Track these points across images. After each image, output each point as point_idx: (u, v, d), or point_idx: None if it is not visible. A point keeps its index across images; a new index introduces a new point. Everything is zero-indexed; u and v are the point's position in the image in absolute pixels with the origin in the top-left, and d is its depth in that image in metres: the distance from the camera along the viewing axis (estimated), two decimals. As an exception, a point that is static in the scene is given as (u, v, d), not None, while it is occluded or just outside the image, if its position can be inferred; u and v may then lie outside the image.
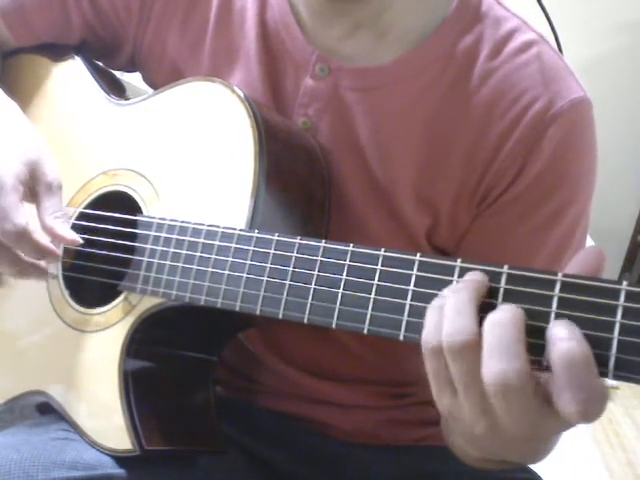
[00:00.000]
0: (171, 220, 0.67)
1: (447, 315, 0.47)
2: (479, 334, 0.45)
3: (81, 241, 0.71)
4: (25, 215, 0.67)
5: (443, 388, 0.49)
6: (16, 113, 0.78)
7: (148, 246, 0.68)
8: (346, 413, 0.83)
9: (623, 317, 0.43)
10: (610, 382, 0.45)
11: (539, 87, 0.69)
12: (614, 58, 2.80)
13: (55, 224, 0.69)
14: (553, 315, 0.45)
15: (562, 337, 0.43)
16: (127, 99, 0.81)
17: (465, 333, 0.45)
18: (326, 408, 0.82)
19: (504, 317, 0.45)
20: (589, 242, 0.81)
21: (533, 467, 0.81)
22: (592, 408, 0.42)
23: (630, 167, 2.91)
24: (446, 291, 0.49)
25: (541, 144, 0.69)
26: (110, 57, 0.86)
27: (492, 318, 0.45)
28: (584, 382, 0.42)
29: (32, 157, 0.71)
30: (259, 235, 0.60)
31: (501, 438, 0.48)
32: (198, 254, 0.64)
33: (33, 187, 0.70)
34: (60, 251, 0.72)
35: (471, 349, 0.45)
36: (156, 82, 0.83)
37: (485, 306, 0.47)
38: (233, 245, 0.62)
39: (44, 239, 0.69)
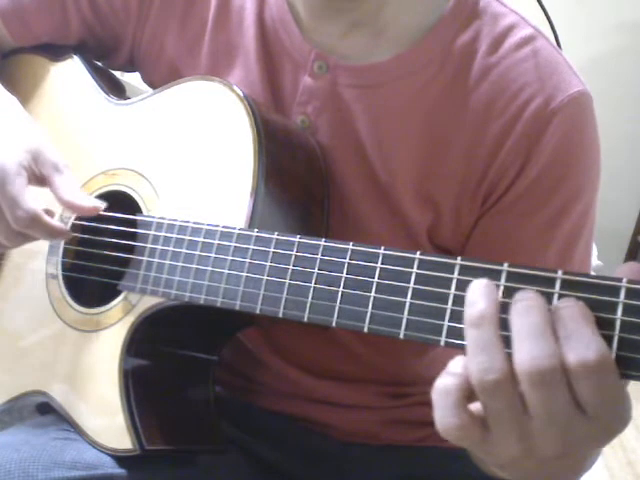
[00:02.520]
0: (170, 219, 0.67)
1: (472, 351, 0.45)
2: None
3: (103, 206, 0.71)
4: (33, 199, 0.68)
5: (473, 436, 0.46)
6: (16, 106, 0.78)
7: (148, 245, 0.68)
8: (346, 413, 0.82)
9: (624, 314, 0.43)
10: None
11: (538, 82, 0.69)
12: (614, 58, 2.80)
13: (73, 198, 0.69)
14: None
15: (562, 305, 0.44)
16: (126, 99, 0.81)
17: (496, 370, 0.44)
18: (326, 408, 0.82)
19: (527, 305, 0.45)
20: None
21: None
22: (592, 356, 0.42)
23: (630, 167, 2.91)
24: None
25: (542, 140, 0.68)
26: (109, 57, 0.86)
27: (517, 308, 0.45)
28: (581, 332, 0.43)
29: (33, 144, 0.71)
30: (258, 234, 0.60)
31: (536, 459, 0.47)
32: (197, 253, 0.64)
33: (39, 171, 0.71)
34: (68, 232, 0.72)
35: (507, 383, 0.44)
36: (154, 81, 0.83)
37: None
38: (232, 244, 0.62)
39: (54, 221, 0.69)
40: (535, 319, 0.44)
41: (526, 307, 0.44)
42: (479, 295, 0.45)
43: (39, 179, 0.71)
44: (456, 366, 0.46)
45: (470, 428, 0.45)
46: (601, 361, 0.42)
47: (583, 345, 0.42)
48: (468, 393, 0.45)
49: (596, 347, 0.42)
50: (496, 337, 0.44)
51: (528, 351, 0.43)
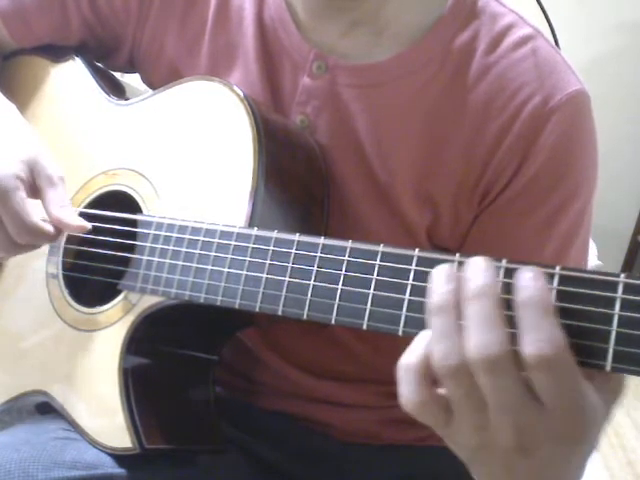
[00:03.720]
0: (170, 219, 0.67)
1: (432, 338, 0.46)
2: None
3: (90, 226, 0.71)
4: (34, 213, 0.68)
5: (437, 415, 0.47)
6: (14, 114, 0.78)
7: (148, 245, 0.68)
8: (347, 413, 0.82)
9: (621, 309, 0.43)
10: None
11: (536, 81, 0.69)
12: (614, 58, 2.80)
13: (62, 214, 0.69)
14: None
15: (523, 285, 0.44)
16: (127, 99, 0.81)
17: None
18: (327, 408, 0.82)
19: (480, 290, 0.45)
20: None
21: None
22: (548, 350, 0.42)
23: (630, 167, 2.91)
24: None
25: (540, 139, 0.68)
26: (109, 58, 0.87)
27: (469, 292, 0.45)
28: (540, 324, 0.43)
29: (30, 154, 0.71)
30: (258, 233, 0.60)
31: (494, 451, 0.47)
32: (197, 252, 0.64)
33: (34, 183, 0.71)
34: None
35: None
36: (154, 82, 0.83)
37: None
38: (232, 243, 0.62)
39: (51, 228, 0.69)
40: (485, 304, 0.44)
41: (475, 294, 0.45)
42: (440, 284, 0.47)
43: (33, 190, 0.71)
44: (418, 345, 0.47)
45: (432, 406, 0.47)
46: (558, 354, 0.42)
47: (540, 338, 0.42)
48: (430, 372, 0.46)
49: (554, 339, 0.42)
50: (456, 325, 0.45)
51: (477, 339, 0.44)
